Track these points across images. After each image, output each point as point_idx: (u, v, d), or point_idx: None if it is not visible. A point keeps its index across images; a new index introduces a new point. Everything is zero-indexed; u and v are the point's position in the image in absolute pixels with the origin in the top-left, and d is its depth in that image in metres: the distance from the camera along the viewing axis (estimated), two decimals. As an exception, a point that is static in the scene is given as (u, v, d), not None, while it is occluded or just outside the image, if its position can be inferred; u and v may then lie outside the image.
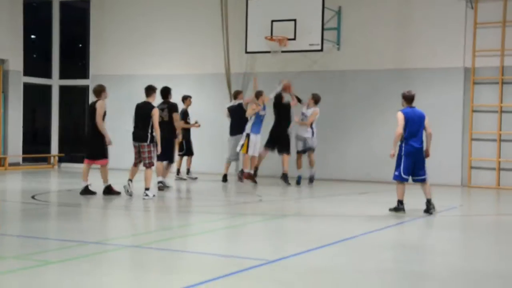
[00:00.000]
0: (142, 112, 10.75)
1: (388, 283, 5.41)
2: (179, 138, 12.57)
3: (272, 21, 14.47)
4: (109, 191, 10.89)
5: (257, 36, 14.64)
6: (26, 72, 17.94)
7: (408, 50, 14.94)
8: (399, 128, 9.21)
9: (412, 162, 9.21)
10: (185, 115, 14.30)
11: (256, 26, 14.69)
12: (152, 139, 10.68)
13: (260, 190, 12.53)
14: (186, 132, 14.35)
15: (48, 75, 18.79)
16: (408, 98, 9.41)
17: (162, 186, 11.93)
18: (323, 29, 14.16)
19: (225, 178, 13.96)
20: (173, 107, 11.98)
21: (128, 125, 11.66)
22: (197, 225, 8.54)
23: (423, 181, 9.33)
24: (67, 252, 6.30)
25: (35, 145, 18.88)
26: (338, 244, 6.98)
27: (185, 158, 14.60)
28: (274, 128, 13.57)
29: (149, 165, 10.64)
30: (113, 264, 5.96)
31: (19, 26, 17.68)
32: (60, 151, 18.94)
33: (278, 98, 13.58)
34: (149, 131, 10.62)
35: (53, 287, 5.14)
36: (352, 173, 15.25)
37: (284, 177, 13.42)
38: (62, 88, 19.02)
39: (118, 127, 16.08)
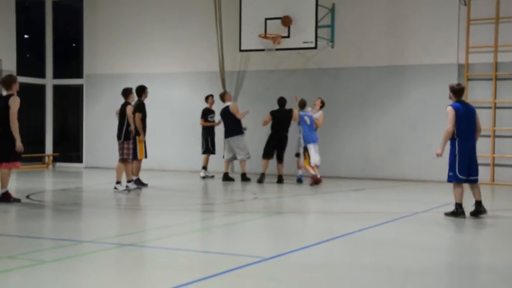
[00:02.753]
0: (120, 112, 11.60)
1: (383, 279, 5.42)
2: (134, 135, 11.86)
3: (266, 19, 14.46)
4: (6, 198, 9.62)
5: (251, 34, 14.64)
6: (20, 72, 17.85)
7: (401, 46, 14.96)
8: (450, 125, 8.50)
9: (467, 161, 8.56)
10: (204, 113, 14.45)
11: (249, 24, 14.68)
12: (127, 136, 11.33)
13: (255, 188, 12.53)
14: (208, 130, 14.42)
15: (41, 74, 18.73)
16: (458, 91, 8.66)
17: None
18: (316, 26, 14.17)
19: (244, 177, 13.76)
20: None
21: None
22: (192, 223, 8.54)
23: (476, 181, 8.71)
24: (62, 251, 6.30)
25: (29, 145, 18.78)
26: (334, 241, 6.99)
27: (204, 155, 14.52)
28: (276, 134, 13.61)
29: (123, 160, 11.37)
30: (108, 262, 5.95)
31: (12, 25, 17.62)
32: (54, 150, 18.89)
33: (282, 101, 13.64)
34: (124, 129, 11.37)
35: (48, 286, 5.13)
36: (346, 170, 15.27)
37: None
38: (56, 88, 18.97)
39: (112, 126, 16.03)
